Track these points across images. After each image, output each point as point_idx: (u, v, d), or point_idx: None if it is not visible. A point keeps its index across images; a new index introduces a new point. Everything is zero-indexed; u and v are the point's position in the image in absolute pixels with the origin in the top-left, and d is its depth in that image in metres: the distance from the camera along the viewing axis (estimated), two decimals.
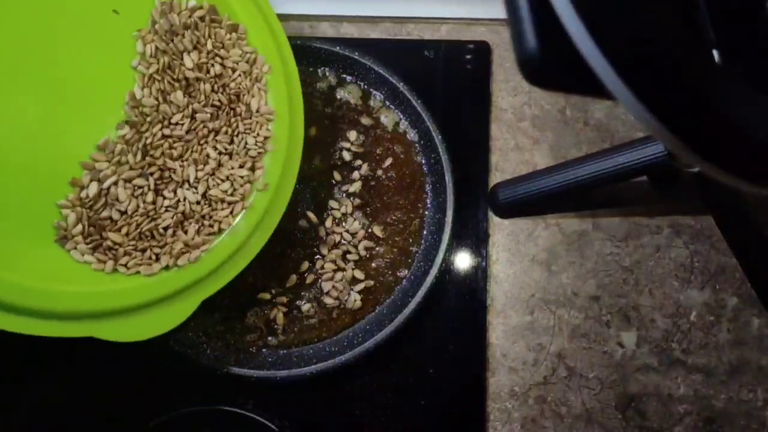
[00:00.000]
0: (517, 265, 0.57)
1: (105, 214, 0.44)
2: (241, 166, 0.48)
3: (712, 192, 0.54)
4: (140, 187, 0.45)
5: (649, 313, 0.56)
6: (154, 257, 0.45)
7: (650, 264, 0.57)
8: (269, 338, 0.54)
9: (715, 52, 0.30)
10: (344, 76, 0.60)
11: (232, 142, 0.48)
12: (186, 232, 0.46)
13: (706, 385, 0.55)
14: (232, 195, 0.48)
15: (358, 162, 0.58)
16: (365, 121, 0.59)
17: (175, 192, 0.46)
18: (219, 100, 0.48)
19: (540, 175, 0.55)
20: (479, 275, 0.57)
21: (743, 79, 0.28)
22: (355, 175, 0.57)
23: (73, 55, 0.45)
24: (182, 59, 0.47)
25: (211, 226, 0.47)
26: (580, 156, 0.55)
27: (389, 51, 0.61)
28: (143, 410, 0.54)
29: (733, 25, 0.30)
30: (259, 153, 0.49)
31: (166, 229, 0.45)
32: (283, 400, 0.54)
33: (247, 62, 0.49)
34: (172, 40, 0.47)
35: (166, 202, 0.46)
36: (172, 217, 0.46)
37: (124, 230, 0.45)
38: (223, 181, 0.48)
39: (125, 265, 0.45)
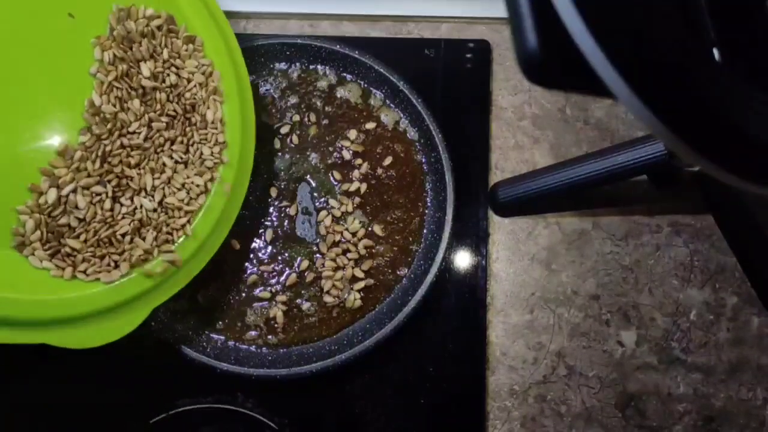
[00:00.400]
0: (517, 264, 0.57)
1: (63, 220, 0.44)
2: (197, 175, 0.48)
3: (712, 191, 0.54)
4: (98, 194, 0.45)
5: (649, 312, 0.56)
6: (113, 264, 0.45)
7: (650, 263, 0.57)
8: (269, 337, 0.54)
9: (715, 51, 0.30)
10: (344, 74, 0.60)
11: (187, 151, 0.49)
12: (144, 239, 0.46)
13: (706, 383, 0.55)
14: (188, 204, 0.48)
15: (358, 161, 0.58)
16: (365, 119, 0.59)
17: (132, 199, 0.46)
18: (174, 110, 0.48)
19: (540, 174, 0.55)
20: (479, 274, 0.57)
21: (743, 78, 0.28)
22: (355, 173, 0.57)
23: (32, 58, 0.44)
24: (139, 68, 0.47)
25: (169, 233, 0.47)
26: (581, 155, 0.55)
27: (389, 50, 0.61)
28: (143, 408, 0.54)
29: (733, 23, 0.30)
30: (215, 163, 0.49)
31: (123, 235, 0.45)
32: (283, 398, 0.54)
33: (203, 74, 0.50)
34: (130, 48, 0.47)
35: (124, 209, 0.46)
36: (130, 224, 0.46)
37: (82, 237, 0.44)
38: (179, 189, 0.48)
39: (84, 272, 0.44)
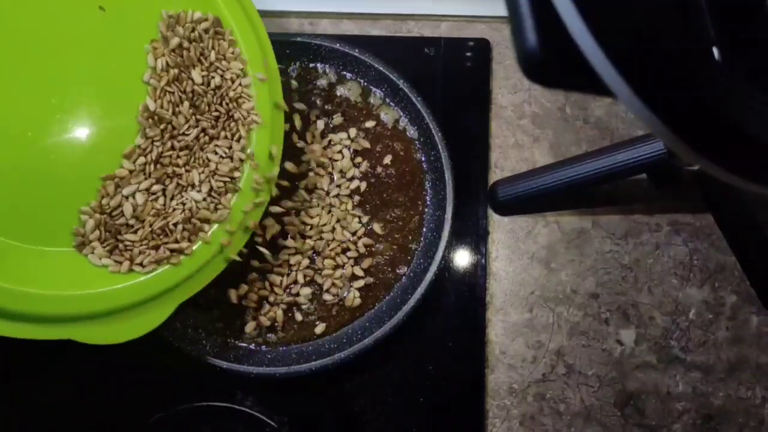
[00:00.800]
0: (517, 263, 0.58)
1: (122, 220, 0.46)
2: (235, 169, 0.49)
3: (711, 190, 0.54)
4: (154, 193, 0.47)
5: (648, 311, 0.56)
6: (168, 253, 0.46)
7: (649, 262, 0.57)
8: (268, 335, 0.54)
9: (715, 50, 0.30)
10: (344, 73, 0.60)
11: (230, 147, 0.50)
12: (195, 228, 0.48)
13: (705, 382, 0.55)
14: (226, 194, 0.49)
15: (358, 159, 0.58)
16: (365, 118, 0.59)
17: (182, 194, 0.48)
18: (217, 110, 0.49)
19: (540, 172, 0.55)
20: (479, 272, 0.57)
21: (743, 77, 0.28)
22: (355, 172, 0.57)
23: (80, 61, 0.46)
24: (190, 73, 0.48)
25: (218, 209, 0.48)
26: (580, 154, 0.55)
27: (389, 48, 0.61)
28: (143, 407, 0.54)
29: (733, 23, 0.30)
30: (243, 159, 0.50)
31: (176, 225, 0.47)
32: (282, 396, 0.54)
33: (246, 75, 0.51)
34: (182, 55, 0.48)
35: (174, 203, 0.47)
36: (181, 214, 0.47)
37: (139, 232, 0.46)
38: (222, 179, 0.49)
39: (141, 264, 0.46)
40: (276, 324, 0.54)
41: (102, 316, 0.45)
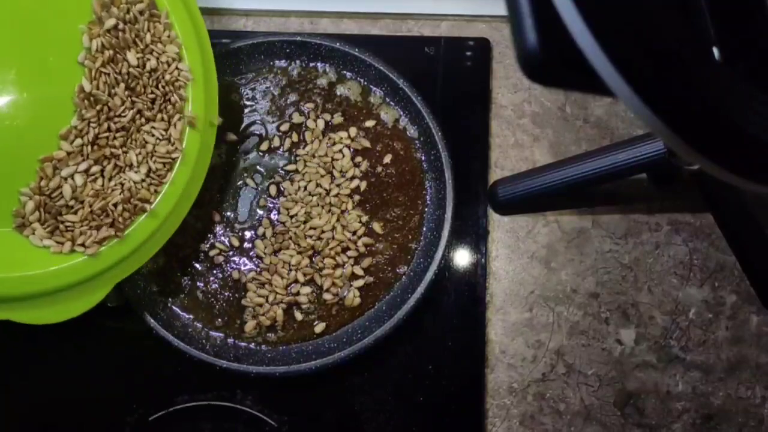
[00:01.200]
0: (517, 262, 0.58)
1: (61, 201, 0.46)
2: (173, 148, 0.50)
3: (711, 189, 0.54)
4: (92, 174, 0.47)
5: (648, 311, 0.56)
6: (112, 232, 0.47)
7: (649, 261, 0.57)
8: (268, 334, 0.54)
9: (715, 50, 0.30)
10: (344, 72, 0.60)
11: (167, 128, 0.50)
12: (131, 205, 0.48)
13: (705, 382, 0.55)
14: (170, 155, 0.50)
15: (358, 158, 0.58)
16: (365, 117, 0.59)
17: (120, 175, 0.48)
18: (153, 92, 0.50)
19: (539, 172, 0.55)
20: (478, 272, 0.57)
21: (743, 77, 0.28)
22: (355, 171, 0.57)
23: (20, 42, 0.46)
24: (125, 54, 0.48)
25: (156, 183, 0.49)
26: (580, 153, 0.55)
27: (389, 48, 0.61)
28: (142, 405, 0.54)
29: (733, 22, 0.30)
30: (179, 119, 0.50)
31: (115, 205, 0.47)
32: (282, 396, 0.54)
33: (182, 60, 0.51)
34: (117, 36, 0.48)
35: (112, 183, 0.48)
36: (120, 194, 0.48)
37: (79, 213, 0.47)
38: (161, 160, 0.50)
39: (83, 245, 0.46)
40: (276, 323, 0.54)
41: (40, 297, 0.45)
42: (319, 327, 0.54)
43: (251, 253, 0.56)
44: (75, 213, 0.47)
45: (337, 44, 0.58)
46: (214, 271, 0.55)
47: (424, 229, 0.57)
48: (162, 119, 0.50)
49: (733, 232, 0.56)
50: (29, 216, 0.45)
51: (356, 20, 0.64)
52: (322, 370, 0.52)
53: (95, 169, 0.47)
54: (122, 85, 0.48)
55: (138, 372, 0.55)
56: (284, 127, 0.58)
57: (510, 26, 0.25)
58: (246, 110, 0.59)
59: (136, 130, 0.49)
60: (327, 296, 0.55)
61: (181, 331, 0.53)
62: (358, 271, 0.55)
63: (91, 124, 0.47)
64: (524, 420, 0.54)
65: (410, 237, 0.56)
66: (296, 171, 0.57)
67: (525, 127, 0.61)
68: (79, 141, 0.47)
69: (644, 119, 0.25)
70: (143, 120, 0.49)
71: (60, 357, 0.55)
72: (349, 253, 0.56)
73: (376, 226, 0.56)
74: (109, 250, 0.47)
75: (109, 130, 0.48)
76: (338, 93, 0.59)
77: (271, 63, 0.60)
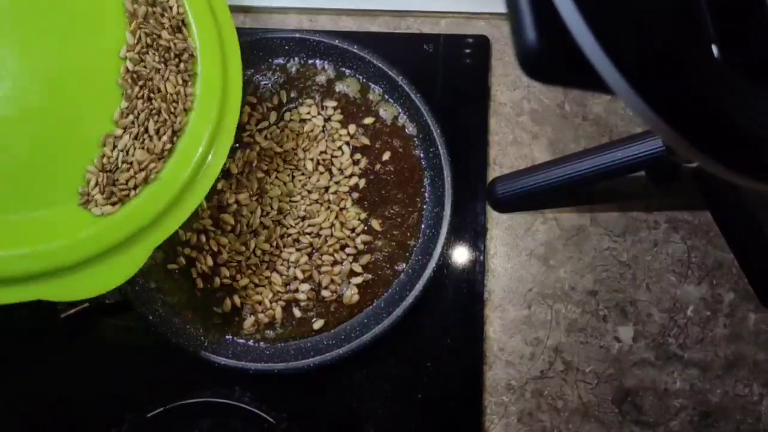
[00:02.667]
0: (515, 260, 0.58)
1: (117, 172, 0.47)
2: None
3: (710, 187, 0.54)
4: (140, 137, 0.48)
5: (646, 308, 0.56)
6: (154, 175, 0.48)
7: (647, 259, 0.57)
8: (267, 331, 0.54)
9: (714, 48, 0.30)
10: (343, 69, 0.60)
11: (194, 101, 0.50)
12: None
13: (702, 379, 0.55)
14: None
15: (357, 156, 0.58)
16: (364, 114, 0.59)
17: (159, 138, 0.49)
18: (188, 70, 0.50)
19: (538, 169, 0.55)
20: (477, 269, 0.57)
21: (742, 75, 0.28)
22: (354, 168, 0.57)
23: (67, 38, 0.47)
24: (160, 35, 0.49)
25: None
26: (579, 151, 0.55)
27: (388, 45, 0.61)
28: (140, 402, 0.54)
29: (732, 20, 0.30)
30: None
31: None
32: (280, 392, 0.54)
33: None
34: (150, 21, 0.49)
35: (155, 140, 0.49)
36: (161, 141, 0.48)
37: (129, 172, 0.47)
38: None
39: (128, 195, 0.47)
40: (274, 320, 0.54)
41: (70, 269, 0.44)
42: (318, 324, 0.54)
43: (249, 251, 0.55)
44: (125, 172, 0.47)
45: (336, 41, 0.58)
46: (213, 268, 0.55)
47: (423, 226, 0.57)
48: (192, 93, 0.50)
49: (732, 230, 0.56)
50: (92, 191, 0.46)
51: (355, 17, 0.64)
52: (320, 367, 0.52)
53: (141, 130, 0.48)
54: (162, 65, 0.49)
55: (136, 369, 0.55)
56: (282, 124, 0.58)
57: (509, 24, 0.25)
58: (245, 107, 0.59)
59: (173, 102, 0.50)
60: (326, 293, 0.55)
61: (179, 328, 0.53)
62: (357, 268, 0.55)
63: (138, 100, 0.48)
64: (522, 417, 0.54)
65: (409, 234, 0.56)
66: (295, 168, 0.57)
67: (524, 125, 0.61)
68: (131, 117, 0.47)
69: (643, 117, 0.25)
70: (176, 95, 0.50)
71: (58, 354, 0.55)
72: (347, 250, 0.56)
73: (375, 224, 0.56)
74: (143, 202, 0.47)
75: (150, 99, 0.48)
76: (337, 90, 0.59)
77: (270, 60, 0.60)
